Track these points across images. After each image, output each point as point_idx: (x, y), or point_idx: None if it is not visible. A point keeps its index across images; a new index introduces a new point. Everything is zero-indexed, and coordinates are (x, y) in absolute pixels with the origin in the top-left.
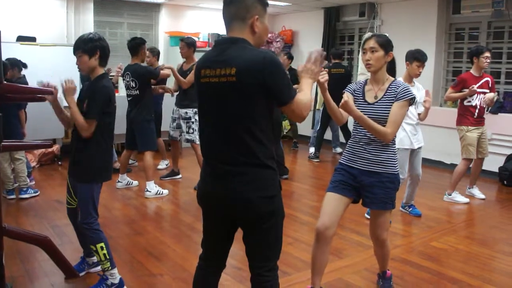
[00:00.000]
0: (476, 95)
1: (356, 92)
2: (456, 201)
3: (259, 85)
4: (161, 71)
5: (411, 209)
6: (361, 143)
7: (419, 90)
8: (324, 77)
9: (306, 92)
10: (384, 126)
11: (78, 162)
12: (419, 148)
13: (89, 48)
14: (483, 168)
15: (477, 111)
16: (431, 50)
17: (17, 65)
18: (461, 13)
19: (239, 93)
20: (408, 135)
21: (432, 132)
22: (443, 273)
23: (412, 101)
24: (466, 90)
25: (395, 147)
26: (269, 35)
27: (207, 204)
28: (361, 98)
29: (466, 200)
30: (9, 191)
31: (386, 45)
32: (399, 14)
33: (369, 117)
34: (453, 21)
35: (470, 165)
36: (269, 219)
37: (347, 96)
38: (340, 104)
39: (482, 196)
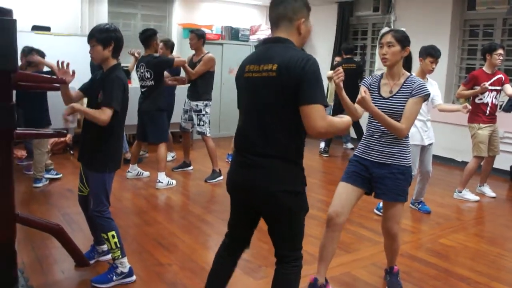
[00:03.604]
0: (487, 92)
1: (371, 86)
2: (466, 198)
3: (297, 83)
4: (176, 59)
5: (420, 205)
6: (375, 136)
7: (432, 85)
8: (339, 77)
9: (338, 122)
10: (398, 121)
11: (91, 151)
12: (430, 144)
13: (104, 38)
14: (494, 166)
15: (488, 108)
16: (445, 46)
17: (40, 54)
18: (476, 9)
19: (277, 89)
20: (419, 131)
21: (444, 129)
22: (450, 270)
23: (426, 97)
24: (478, 88)
25: (408, 140)
26: None
27: (234, 192)
28: (376, 92)
29: (476, 198)
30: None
31: (403, 40)
32: (414, 10)
33: (383, 111)
34: (468, 18)
35: (481, 163)
36: (293, 213)
37: (364, 92)
38: (357, 99)
39: (493, 194)
